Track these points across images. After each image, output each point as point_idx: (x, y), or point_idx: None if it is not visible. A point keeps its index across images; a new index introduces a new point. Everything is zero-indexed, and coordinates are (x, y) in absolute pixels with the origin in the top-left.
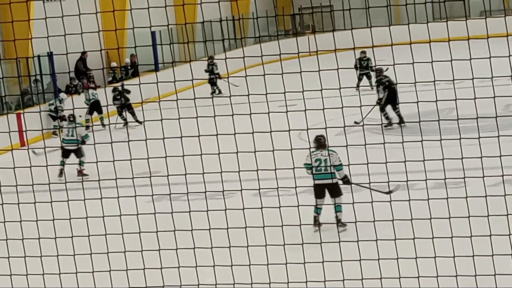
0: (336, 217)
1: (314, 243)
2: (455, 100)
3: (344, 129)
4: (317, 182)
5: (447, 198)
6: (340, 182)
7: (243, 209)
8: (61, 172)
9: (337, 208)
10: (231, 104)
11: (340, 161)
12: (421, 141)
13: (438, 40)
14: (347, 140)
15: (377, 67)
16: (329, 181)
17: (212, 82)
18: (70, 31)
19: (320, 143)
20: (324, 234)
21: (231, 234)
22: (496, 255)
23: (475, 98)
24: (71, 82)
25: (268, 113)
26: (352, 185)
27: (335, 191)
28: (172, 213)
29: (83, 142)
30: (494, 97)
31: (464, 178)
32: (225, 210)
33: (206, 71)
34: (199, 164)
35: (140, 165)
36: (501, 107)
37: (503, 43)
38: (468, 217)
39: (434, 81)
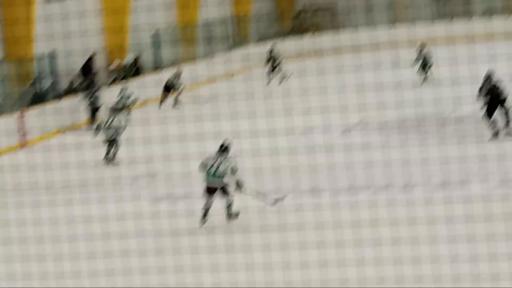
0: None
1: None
2: None
3: (348, 128)
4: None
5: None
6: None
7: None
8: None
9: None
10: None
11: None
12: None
13: None
14: (350, 139)
15: (489, 70)
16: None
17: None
18: (73, 31)
19: (224, 149)
20: None
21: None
22: None
23: None
24: (73, 81)
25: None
26: (240, 192)
27: (225, 192)
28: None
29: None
30: None
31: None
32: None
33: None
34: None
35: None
36: None
37: None
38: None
39: None
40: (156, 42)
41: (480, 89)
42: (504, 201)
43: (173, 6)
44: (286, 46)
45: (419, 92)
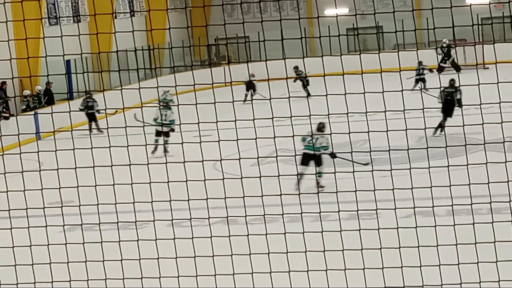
0: (317, 181)
1: (226, 274)
2: (368, 132)
3: (258, 160)
4: (304, 151)
5: (359, 230)
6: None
7: (156, 239)
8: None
9: (319, 175)
10: (144, 134)
11: (328, 143)
12: (334, 172)
13: (351, 73)
14: (260, 171)
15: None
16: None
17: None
18: None
19: (320, 129)
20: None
21: (143, 264)
22: (407, 287)
23: (387, 131)
24: None
25: (182, 143)
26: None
27: (318, 162)
28: (84, 243)
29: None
30: (406, 130)
31: (376, 209)
32: (138, 240)
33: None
34: (111, 194)
35: (52, 194)
36: (414, 140)
37: None
38: (380, 248)
39: (347, 113)
40: (69, 72)
41: (441, 91)
42: None
43: (87, 36)
44: (202, 75)
45: None
